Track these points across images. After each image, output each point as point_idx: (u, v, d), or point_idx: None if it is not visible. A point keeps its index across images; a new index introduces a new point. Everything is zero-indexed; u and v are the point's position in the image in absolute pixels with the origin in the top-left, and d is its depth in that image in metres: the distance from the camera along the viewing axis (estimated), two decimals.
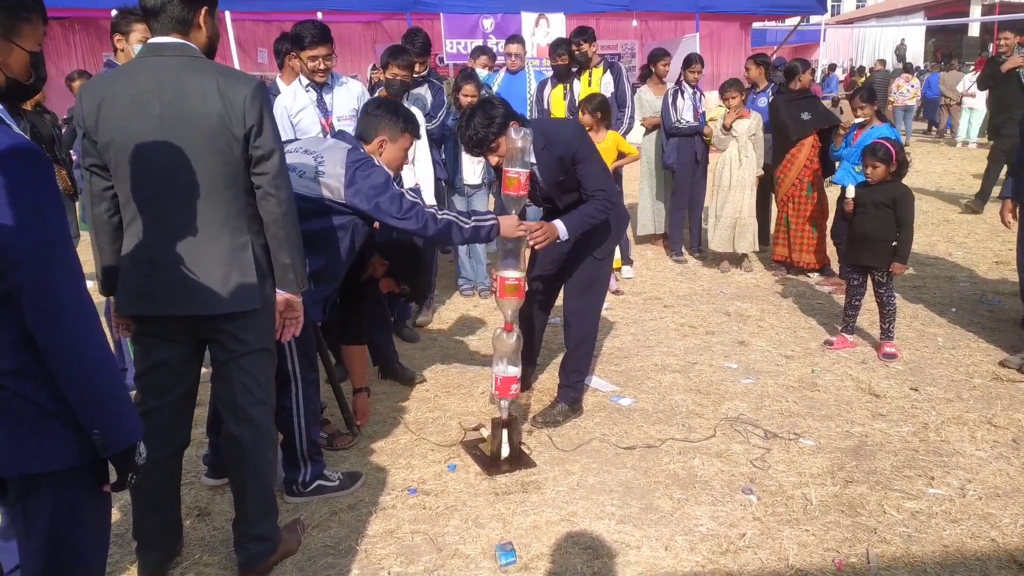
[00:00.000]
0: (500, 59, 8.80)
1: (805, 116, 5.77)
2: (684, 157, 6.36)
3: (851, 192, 4.43)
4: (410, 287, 3.46)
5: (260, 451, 2.47)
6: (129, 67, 2.27)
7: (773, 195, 6.23)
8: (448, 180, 5.32)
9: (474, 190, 5.40)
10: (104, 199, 2.31)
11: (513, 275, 3.17)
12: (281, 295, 2.46)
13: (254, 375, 2.41)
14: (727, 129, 5.92)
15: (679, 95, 6.30)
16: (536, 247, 3.19)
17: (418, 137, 3.18)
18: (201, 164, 2.21)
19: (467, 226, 2.94)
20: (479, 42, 10.17)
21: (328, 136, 3.96)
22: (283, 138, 4.07)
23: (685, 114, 6.25)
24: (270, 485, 2.54)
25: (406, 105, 4.64)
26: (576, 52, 5.77)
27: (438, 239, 3.02)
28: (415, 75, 4.93)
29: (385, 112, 3.06)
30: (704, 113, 6.17)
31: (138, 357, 2.43)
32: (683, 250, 6.72)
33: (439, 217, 2.88)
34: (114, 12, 3.67)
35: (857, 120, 5.25)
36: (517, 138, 3.02)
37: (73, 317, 1.48)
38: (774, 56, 13.36)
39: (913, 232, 4.33)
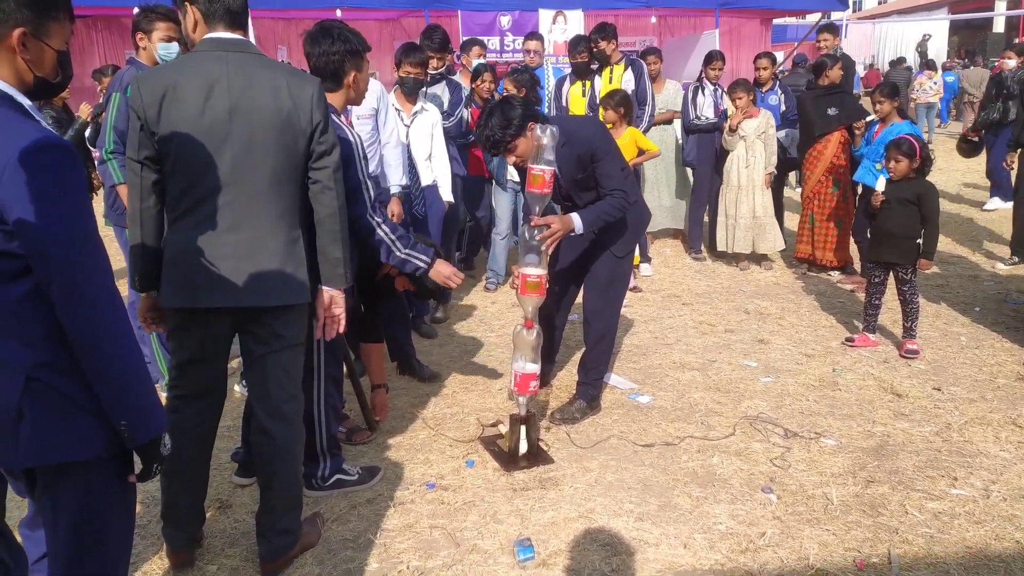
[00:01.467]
0: (510, 55, 8.80)
1: (831, 112, 5.71)
2: (704, 154, 6.32)
3: (881, 185, 4.36)
4: (425, 286, 3.44)
5: (290, 445, 2.50)
6: (192, 60, 2.27)
7: (799, 191, 6.20)
8: (493, 176, 5.41)
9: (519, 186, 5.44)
10: (154, 193, 2.32)
11: (535, 272, 3.16)
12: (327, 291, 2.49)
13: (288, 370, 2.45)
14: (733, 131, 5.89)
15: (699, 92, 6.26)
16: (547, 246, 3.16)
17: (369, 48, 2.98)
18: (268, 158, 2.25)
19: (398, 254, 2.80)
20: (496, 39, 10.16)
21: None
22: None
23: (706, 111, 6.22)
24: (298, 479, 2.57)
25: (422, 103, 4.68)
26: (595, 50, 5.76)
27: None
28: (433, 71, 4.94)
29: (342, 45, 2.74)
30: (725, 110, 6.13)
31: (177, 349, 2.43)
32: (702, 248, 6.68)
33: (376, 233, 2.74)
34: (136, 10, 3.70)
35: (872, 117, 5.20)
36: (543, 135, 3.02)
37: (102, 310, 1.50)
38: (795, 53, 13.25)
39: (938, 229, 4.28)
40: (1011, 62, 8.30)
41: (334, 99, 2.78)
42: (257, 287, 2.28)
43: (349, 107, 4.01)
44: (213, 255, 2.24)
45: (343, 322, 2.57)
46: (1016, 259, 6.01)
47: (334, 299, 2.51)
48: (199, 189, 2.24)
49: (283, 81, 2.25)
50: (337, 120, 2.67)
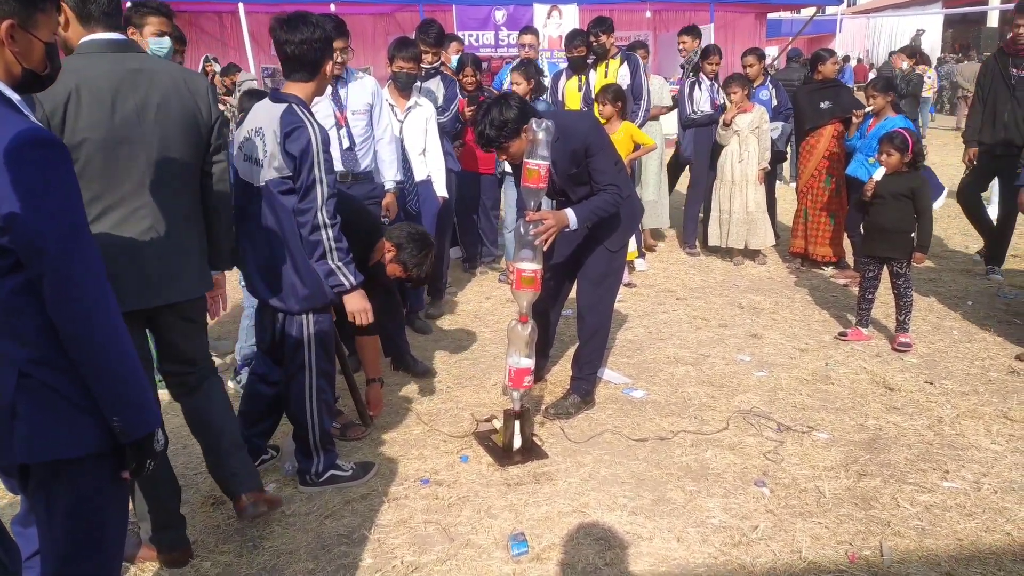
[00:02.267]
0: (505, 50, 8.78)
1: (824, 105, 5.71)
2: (701, 149, 6.34)
3: (879, 175, 4.37)
4: (418, 273, 3.41)
5: (224, 398, 2.65)
6: (85, 62, 2.20)
7: (793, 186, 6.21)
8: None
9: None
10: None
11: (530, 267, 3.16)
12: (217, 275, 2.64)
13: (204, 349, 2.59)
14: (727, 125, 5.89)
15: (696, 86, 6.28)
16: (541, 242, 3.15)
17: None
18: (178, 154, 2.31)
19: (329, 262, 2.71)
20: (491, 34, 10.15)
21: (337, 126, 3.96)
22: None
23: (702, 105, 6.24)
24: (236, 423, 2.72)
25: (416, 98, 4.66)
26: (594, 43, 5.75)
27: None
28: (426, 66, 4.92)
29: (321, 32, 2.66)
30: (722, 104, 6.14)
31: None
32: (696, 243, 6.70)
33: (319, 232, 2.66)
34: (128, 5, 3.68)
35: (868, 109, 5.21)
36: (539, 130, 3.02)
37: (94, 306, 1.49)
38: (788, 47, 13.24)
39: (932, 222, 4.30)
40: (905, 64, 8.29)
41: (305, 89, 2.73)
42: (182, 282, 2.38)
43: (344, 103, 4.03)
44: (137, 256, 2.26)
45: (226, 302, 2.72)
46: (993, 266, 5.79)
47: (219, 281, 2.67)
48: (114, 193, 2.23)
49: (180, 79, 2.31)
50: (301, 112, 2.64)
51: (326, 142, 2.65)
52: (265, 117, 2.66)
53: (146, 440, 1.61)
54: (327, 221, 2.65)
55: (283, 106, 2.64)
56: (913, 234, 4.27)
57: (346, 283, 2.77)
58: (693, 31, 6.88)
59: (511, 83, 5.39)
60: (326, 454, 3.02)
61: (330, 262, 2.71)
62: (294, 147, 2.59)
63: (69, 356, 1.50)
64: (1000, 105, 5.31)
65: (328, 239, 2.67)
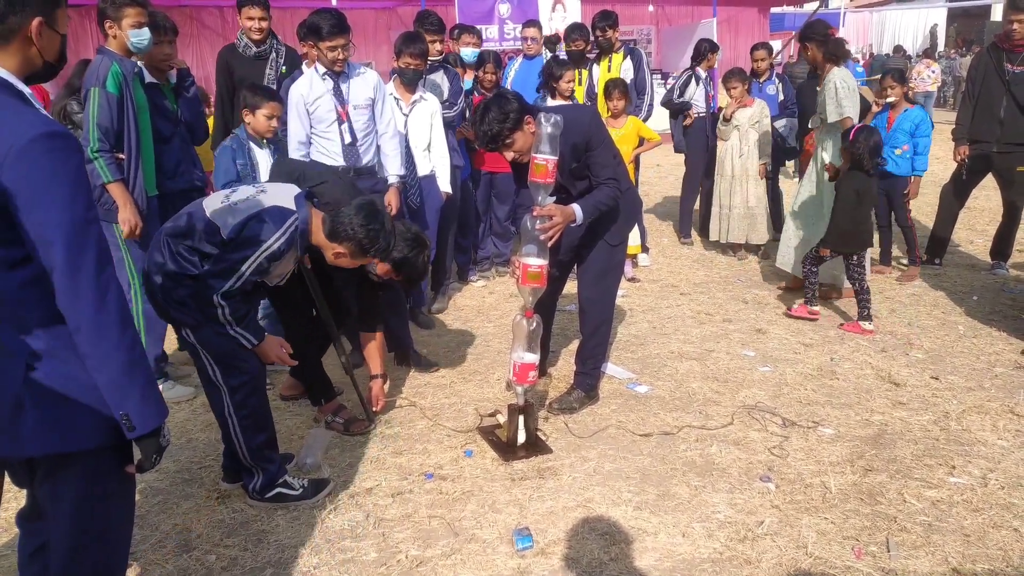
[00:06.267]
0: (510, 43, 8.72)
1: None
2: (692, 141, 6.41)
3: (827, 156, 4.41)
4: (408, 273, 3.26)
5: None
6: None
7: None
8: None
9: None
10: None
11: (536, 262, 3.15)
12: None
13: None
14: (727, 120, 5.89)
15: (693, 80, 6.38)
16: (547, 238, 3.13)
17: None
18: None
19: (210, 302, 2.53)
20: (495, 27, 10.10)
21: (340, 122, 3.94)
22: (299, 126, 4.04)
23: (697, 99, 6.37)
24: None
25: (421, 92, 4.64)
26: (600, 38, 5.74)
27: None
28: (433, 57, 4.88)
29: None
30: (716, 103, 6.18)
31: None
32: (691, 232, 6.82)
33: (215, 287, 2.53)
34: None
35: (888, 100, 5.18)
36: (547, 124, 2.99)
37: (103, 299, 1.49)
38: (791, 41, 13.19)
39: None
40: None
41: None
42: None
43: (346, 98, 4.00)
44: None
45: None
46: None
47: None
48: None
49: None
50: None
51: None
52: None
53: (152, 435, 1.60)
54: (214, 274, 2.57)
55: None
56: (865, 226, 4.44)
57: (251, 340, 2.68)
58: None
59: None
60: (263, 471, 2.86)
61: (218, 305, 2.58)
62: None
63: (77, 349, 1.50)
64: (995, 101, 5.21)
65: (221, 315, 2.59)
